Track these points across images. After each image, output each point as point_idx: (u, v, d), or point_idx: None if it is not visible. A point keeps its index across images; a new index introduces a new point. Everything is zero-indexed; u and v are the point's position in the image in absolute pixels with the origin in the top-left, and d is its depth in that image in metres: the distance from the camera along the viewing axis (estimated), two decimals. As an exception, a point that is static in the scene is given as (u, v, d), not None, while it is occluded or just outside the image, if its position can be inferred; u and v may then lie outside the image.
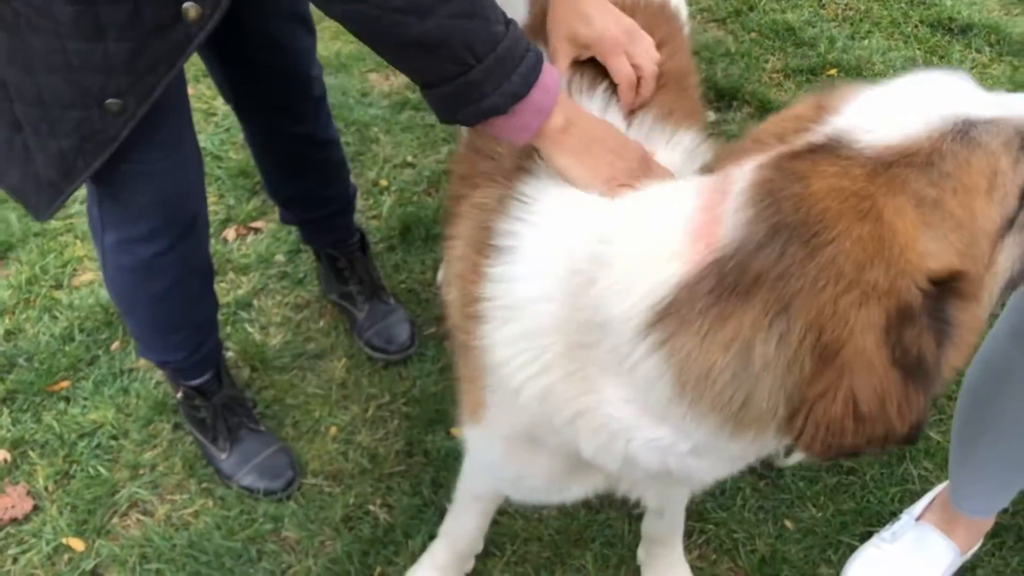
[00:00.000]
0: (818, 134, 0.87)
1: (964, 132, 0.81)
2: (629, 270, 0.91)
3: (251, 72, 1.73)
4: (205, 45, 1.67)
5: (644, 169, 1.10)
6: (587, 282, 0.94)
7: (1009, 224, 0.83)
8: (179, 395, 1.90)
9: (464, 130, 1.40)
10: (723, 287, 0.82)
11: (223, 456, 1.88)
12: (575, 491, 1.24)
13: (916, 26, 3.23)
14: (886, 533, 1.76)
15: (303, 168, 1.98)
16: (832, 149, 0.84)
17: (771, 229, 0.82)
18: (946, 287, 0.80)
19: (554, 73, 1.09)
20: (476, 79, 1.02)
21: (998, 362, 1.48)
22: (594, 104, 1.23)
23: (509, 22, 1.06)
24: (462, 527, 1.64)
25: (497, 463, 1.26)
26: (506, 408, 1.12)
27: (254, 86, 1.77)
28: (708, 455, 0.96)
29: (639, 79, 1.24)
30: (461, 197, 1.23)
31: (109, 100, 1.24)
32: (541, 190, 1.09)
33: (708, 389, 0.85)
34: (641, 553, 1.75)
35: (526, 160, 1.14)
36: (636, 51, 1.24)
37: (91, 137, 1.28)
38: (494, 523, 1.79)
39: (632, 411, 0.94)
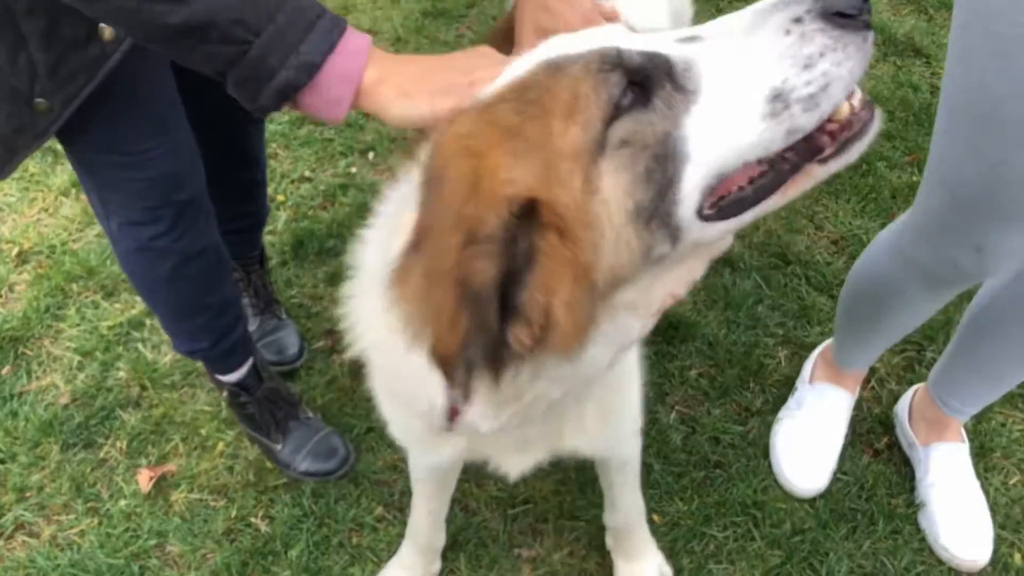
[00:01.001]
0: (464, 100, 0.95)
1: (554, 65, 0.88)
2: (387, 239, 0.98)
3: (197, 81, 1.75)
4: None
5: (474, 69, 1.04)
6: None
7: (600, 147, 0.83)
8: (225, 395, 2.00)
9: None
10: (413, 246, 0.90)
11: (279, 448, 1.97)
12: (445, 452, 1.31)
13: (808, 28, 3.34)
14: (791, 403, 2.07)
15: (225, 179, 2.01)
16: (466, 108, 0.92)
17: (425, 185, 0.90)
18: (529, 216, 0.82)
19: (360, 38, 1.01)
20: (258, 55, 0.95)
21: (881, 274, 1.71)
22: None
23: None
24: (416, 520, 1.72)
25: (388, 417, 1.34)
26: (370, 362, 1.19)
27: (198, 83, 1.78)
28: (480, 400, 0.99)
29: None
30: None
31: (37, 99, 1.31)
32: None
33: (418, 336, 0.90)
34: (609, 541, 1.82)
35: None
36: None
37: (23, 131, 1.36)
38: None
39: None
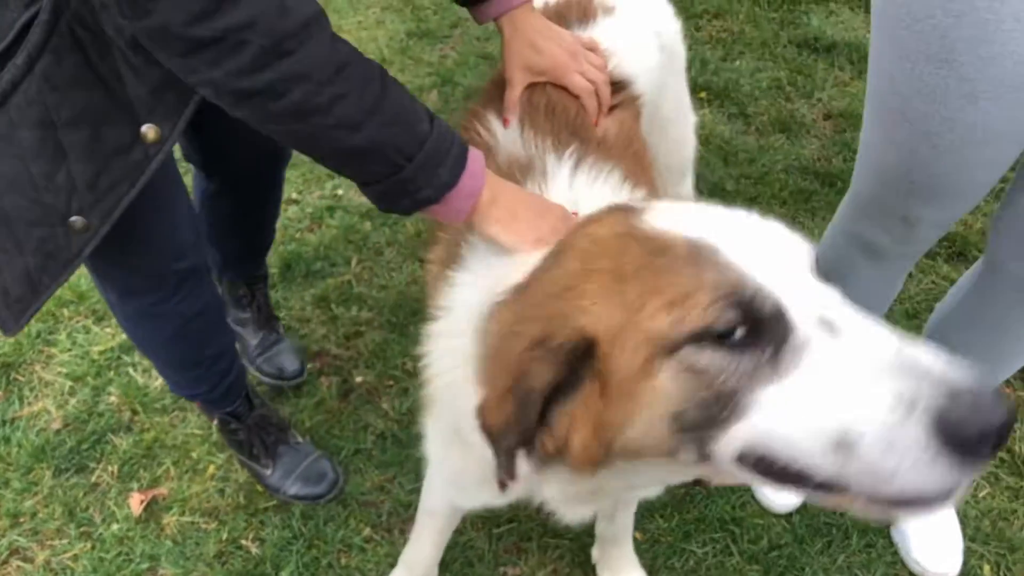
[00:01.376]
0: (641, 201, 1.01)
1: (696, 251, 0.83)
2: (486, 289, 1.05)
3: (226, 139, 1.77)
4: None
5: (566, 227, 1.18)
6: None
7: (675, 347, 0.80)
8: (215, 423, 2.03)
9: None
10: (520, 287, 0.97)
11: (268, 472, 2.00)
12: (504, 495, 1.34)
13: (785, 46, 3.41)
14: None
15: (256, 215, 2.07)
16: (631, 210, 0.95)
17: (553, 250, 0.99)
18: (588, 353, 0.84)
19: (479, 159, 1.18)
20: (408, 176, 1.11)
21: (834, 250, 1.80)
22: (564, 168, 1.32)
23: (433, 119, 1.14)
24: (418, 551, 1.75)
25: (439, 459, 1.38)
26: (439, 401, 1.23)
27: (227, 146, 1.80)
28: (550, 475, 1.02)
29: (596, 90, 1.46)
30: (440, 225, 1.35)
31: (73, 218, 1.26)
32: None
33: (477, 378, 0.96)
34: (595, 553, 1.88)
35: None
36: (585, 68, 1.45)
37: (54, 255, 1.30)
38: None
39: None
